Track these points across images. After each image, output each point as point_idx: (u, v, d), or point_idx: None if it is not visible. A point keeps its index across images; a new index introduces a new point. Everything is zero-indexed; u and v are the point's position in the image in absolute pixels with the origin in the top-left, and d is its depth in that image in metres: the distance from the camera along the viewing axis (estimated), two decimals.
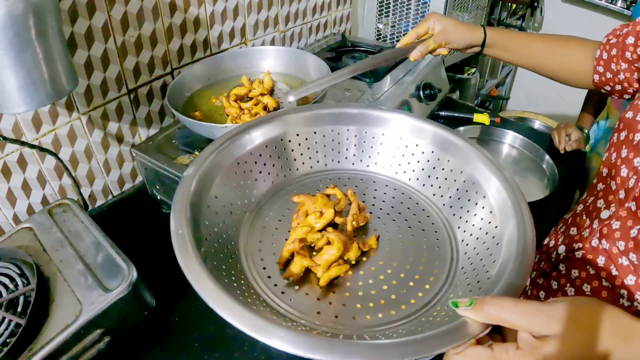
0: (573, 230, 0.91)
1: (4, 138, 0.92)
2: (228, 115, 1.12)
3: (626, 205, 0.77)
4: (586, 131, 1.64)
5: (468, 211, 0.80)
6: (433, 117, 1.65)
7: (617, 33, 0.98)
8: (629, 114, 0.82)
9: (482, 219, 0.77)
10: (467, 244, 0.77)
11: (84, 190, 1.22)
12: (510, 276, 0.60)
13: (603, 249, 0.79)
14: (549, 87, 3.21)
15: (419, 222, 0.82)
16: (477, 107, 1.82)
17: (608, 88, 1.02)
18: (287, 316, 0.66)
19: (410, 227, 0.81)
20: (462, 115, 1.69)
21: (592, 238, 0.83)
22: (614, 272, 0.77)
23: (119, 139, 1.25)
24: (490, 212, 0.76)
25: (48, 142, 1.09)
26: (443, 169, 0.85)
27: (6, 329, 0.80)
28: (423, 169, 0.88)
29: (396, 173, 0.90)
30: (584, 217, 0.89)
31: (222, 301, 0.56)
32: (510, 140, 1.59)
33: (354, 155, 0.92)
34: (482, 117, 1.66)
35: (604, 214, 0.82)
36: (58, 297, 0.85)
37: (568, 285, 0.86)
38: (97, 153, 1.21)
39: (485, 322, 0.52)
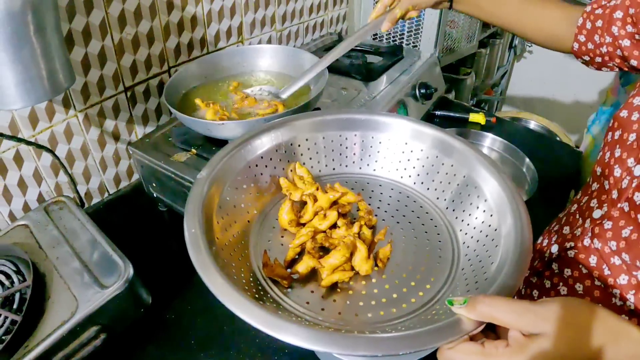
0: (566, 230, 0.91)
1: (1, 135, 0.92)
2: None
3: (619, 205, 0.77)
4: None
5: (470, 214, 0.82)
6: (429, 116, 1.65)
7: (602, 3, 0.96)
8: (624, 113, 0.82)
9: (482, 222, 0.78)
10: (468, 246, 0.78)
11: (80, 187, 1.22)
12: (505, 277, 0.62)
13: (595, 248, 0.80)
14: (544, 88, 3.22)
15: (423, 224, 0.84)
16: (472, 107, 1.83)
17: (587, 58, 1.01)
18: (292, 312, 0.68)
19: (414, 230, 0.83)
20: (457, 115, 1.70)
21: (584, 237, 0.83)
22: (606, 272, 0.77)
23: (116, 137, 1.25)
24: (491, 215, 0.77)
25: (44, 139, 1.08)
26: (446, 174, 0.87)
27: (2, 325, 0.81)
28: (427, 173, 0.90)
29: (402, 177, 0.92)
30: (577, 217, 0.89)
31: (233, 298, 0.58)
32: (489, 143, 1.57)
33: (361, 159, 0.94)
34: (477, 117, 1.67)
35: (596, 214, 0.82)
36: (54, 294, 0.85)
37: (561, 284, 0.86)
38: (93, 151, 1.21)
39: (477, 320, 0.54)
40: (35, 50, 0.79)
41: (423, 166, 0.90)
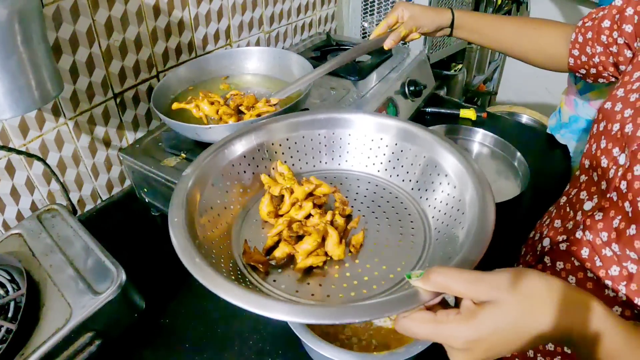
0: (557, 223, 0.92)
1: None
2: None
3: (608, 195, 0.78)
4: None
5: (434, 190, 0.86)
6: (419, 113, 1.65)
7: (592, 16, 1.00)
8: (608, 105, 0.83)
9: (447, 194, 0.83)
10: (438, 231, 0.82)
11: (73, 195, 1.22)
12: (466, 252, 0.65)
13: (587, 240, 0.80)
14: (537, 82, 3.22)
15: (397, 213, 0.87)
16: (463, 103, 1.83)
17: (583, 71, 1.04)
18: (269, 294, 0.72)
19: (388, 218, 0.86)
20: (448, 112, 1.70)
21: (577, 230, 0.83)
22: (598, 263, 0.78)
23: (106, 143, 1.26)
24: (454, 187, 0.82)
25: (35, 147, 1.09)
26: (408, 158, 0.92)
27: None
28: (402, 165, 0.93)
29: (378, 171, 0.95)
30: (568, 210, 0.90)
31: (215, 280, 0.61)
32: (480, 139, 1.57)
33: (340, 156, 0.97)
34: (468, 113, 1.67)
35: (587, 206, 0.83)
36: (48, 301, 0.86)
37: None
38: (84, 158, 1.21)
39: (432, 290, 0.56)
40: (22, 60, 0.79)
41: (395, 156, 0.94)
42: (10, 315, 0.84)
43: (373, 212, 0.87)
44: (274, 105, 1.11)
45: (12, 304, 0.85)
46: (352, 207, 0.88)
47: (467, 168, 0.79)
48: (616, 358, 0.55)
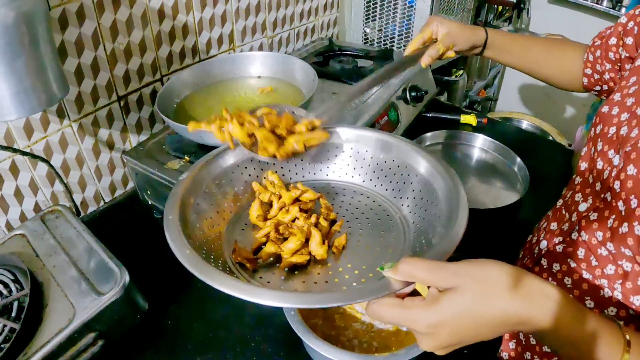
0: (553, 226, 0.93)
1: None
2: None
3: (602, 196, 0.79)
4: None
5: (414, 200, 0.89)
6: (420, 118, 1.66)
7: (602, 35, 1.02)
8: (605, 109, 0.85)
9: (426, 210, 0.86)
10: (417, 234, 0.84)
11: (76, 196, 1.23)
12: (438, 245, 0.69)
13: (582, 240, 0.82)
14: (537, 88, 3.24)
15: (379, 219, 0.90)
16: (464, 109, 1.84)
17: (598, 88, 1.05)
18: None
19: (370, 224, 0.89)
20: (449, 117, 1.71)
21: (572, 231, 0.85)
22: (594, 263, 0.79)
23: (110, 146, 1.26)
24: (433, 196, 0.85)
25: (40, 149, 1.10)
26: (391, 169, 0.95)
27: (1, 333, 0.82)
28: (385, 175, 0.96)
29: (364, 181, 0.98)
30: (563, 212, 0.91)
31: (202, 269, 0.65)
32: (480, 144, 1.58)
33: (328, 167, 1.01)
34: (469, 118, 1.69)
35: (582, 207, 0.84)
36: (52, 301, 0.86)
37: (550, 279, 0.88)
38: (88, 160, 1.22)
39: (400, 280, 0.59)
40: (29, 62, 0.80)
41: (379, 167, 0.97)
42: (13, 314, 0.84)
43: (357, 218, 0.90)
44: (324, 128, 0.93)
45: (15, 304, 0.86)
46: (337, 213, 0.91)
47: (441, 173, 0.84)
48: (578, 347, 0.57)
